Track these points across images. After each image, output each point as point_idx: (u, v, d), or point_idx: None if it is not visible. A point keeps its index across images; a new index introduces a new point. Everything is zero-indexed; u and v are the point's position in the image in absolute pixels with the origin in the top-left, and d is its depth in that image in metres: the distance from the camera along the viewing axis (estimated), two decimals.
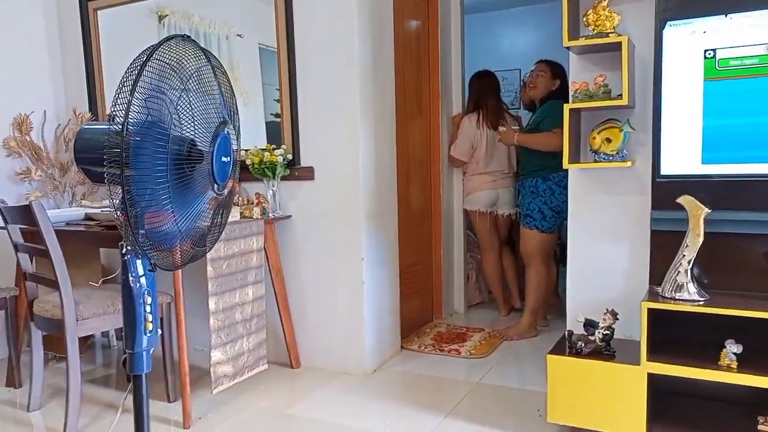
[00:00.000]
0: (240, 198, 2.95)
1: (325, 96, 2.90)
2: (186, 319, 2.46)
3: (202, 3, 3.24)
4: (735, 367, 1.96)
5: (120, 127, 1.10)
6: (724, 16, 2.01)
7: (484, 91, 3.84)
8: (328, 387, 2.84)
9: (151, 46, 1.16)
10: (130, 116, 1.11)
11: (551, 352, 2.22)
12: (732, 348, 1.97)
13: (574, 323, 2.36)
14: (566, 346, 2.24)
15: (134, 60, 1.14)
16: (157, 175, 1.17)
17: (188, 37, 1.24)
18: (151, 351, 1.32)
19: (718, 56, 2.03)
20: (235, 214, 2.75)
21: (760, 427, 1.95)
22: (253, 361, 2.80)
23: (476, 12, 5.72)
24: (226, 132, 1.30)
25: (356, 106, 2.84)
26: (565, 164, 2.30)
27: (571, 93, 2.30)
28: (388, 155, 3.14)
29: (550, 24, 5.18)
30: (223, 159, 1.28)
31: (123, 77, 1.12)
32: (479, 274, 4.26)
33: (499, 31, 6.09)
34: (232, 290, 2.65)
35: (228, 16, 3.21)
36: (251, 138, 3.02)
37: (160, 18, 3.35)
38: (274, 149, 2.90)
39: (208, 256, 2.51)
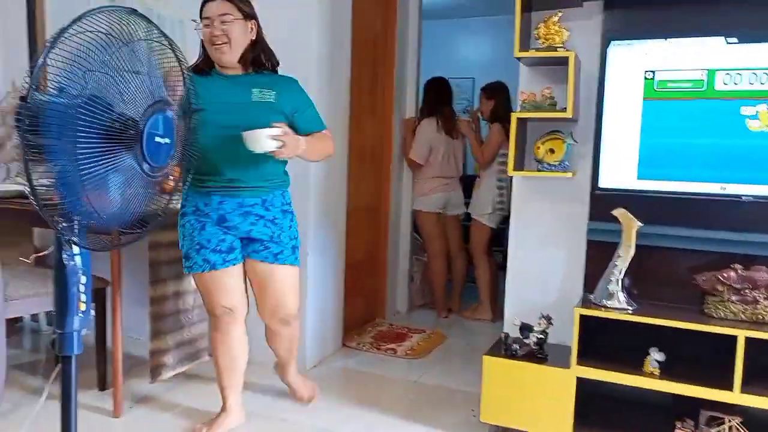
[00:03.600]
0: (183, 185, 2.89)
1: None
2: (123, 307, 2.40)
3: None
4: (657, 374, 2.07)
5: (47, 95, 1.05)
6: (664, 39, 2.12)
7: (439, 98, 3.94)
8: (268, 380, 2.82)
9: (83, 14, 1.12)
10: (49, 84, 1.06)
11: (487, 353, 2.28)
12: (655, 356, 2.08)
13: (510, 326, 2.43)
14: (502, 348, 2.30)
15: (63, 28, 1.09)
16: (80, 148, 1.11)
17: (135, 11, 1.21)
18: (82, 333, 1.29)
19: (657, 77, 2.14)
20: (177, 200, 2.69)
21: (676, 431, 2.06)
22: (193, 352, 2.75)
23: (435, 18, 5.81)
24: (167, 113, 1.27)
25: (310, 95, 2.82)
26: (510, 171, 2.37)
27: (519, 102, 2.37)
28: (339, 152, 3.14)
29: (506, 36, 5.32)
30: (159, 140, 1.25)
31: (47, 43, 1.07)
32: (423, 276, 4.33)
33: (456, 39, 6.20)
34: (173, 278, 2.60)
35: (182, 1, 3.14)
36: None
37: None
38: None
39: (149, 242, 2.46)
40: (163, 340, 2.55)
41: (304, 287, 2.92)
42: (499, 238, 4.10)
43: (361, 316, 3.74)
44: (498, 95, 3.74)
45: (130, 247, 2.39)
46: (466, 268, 4.14)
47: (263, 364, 2.98)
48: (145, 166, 1.24)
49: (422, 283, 4.36)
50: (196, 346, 2.77)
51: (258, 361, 2.99)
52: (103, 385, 2.61)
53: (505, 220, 3.50)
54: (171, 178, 2.47)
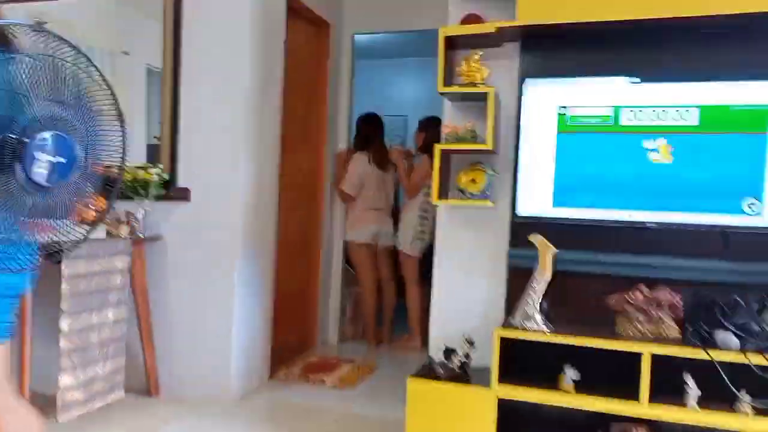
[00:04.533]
0: (107, 216, 2.81)
1: (208, 119, 2.89)
2: (33, 342, 2.28)
3: (85, 14, 3.12)
4: (572, 390, 2.15)
5: None
6: (574, 78, 2.29)
7: (372, 132, 4.05)
8: (190, 415, 2.73)
9: None
10: None
11: (412, 376, 2.30)
12: (570, 373, 2.17)
13: (435, 351, 2.47)
14: (426, 371, 2.34)
15: None
16: None
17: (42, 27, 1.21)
18: None
19: (569, 113, 2.30)
20: (100, 233, 2.62)
21: None
22: (107, 388, 2.63)
23: (369, 58, 5.96)
24: (63, 133, 1.24)
25: (240, 130, 2.85)
26: (434, 200, 2.45)
27: (443, 135, 2.47)
28: (269, 182, 3.15)
29: (437, 76, 5.53)
30: (49, 158, 1.20)
31: None
32: (355, 307, 4.33)
33: (390, 78, 6.38)
34: (90, 311, 2.50)
35: (114, 32, 3.12)
36: (130, 160, 2.91)
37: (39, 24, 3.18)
38: (149, 168, 2.82)
39: (65, 272, 2.37)
40: (74, 375, 2.43)
41: (230, 318, 2.87)
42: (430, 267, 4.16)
43: (292, 347, 3.69)
44: (429, 128, 3.84)
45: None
46: (396, 298, 4.19)
47: (183, 398, 2.90)
48: (30, 186, 1.18)
49: (354, 314, 4.36)
50: (112, 381, 2.65)
51: (178, 396, 2.91)
52: None
53: (430, 249, 3.59)
54: (92, 207, 2.42)
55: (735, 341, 2.03)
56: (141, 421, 2.66)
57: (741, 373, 2.00)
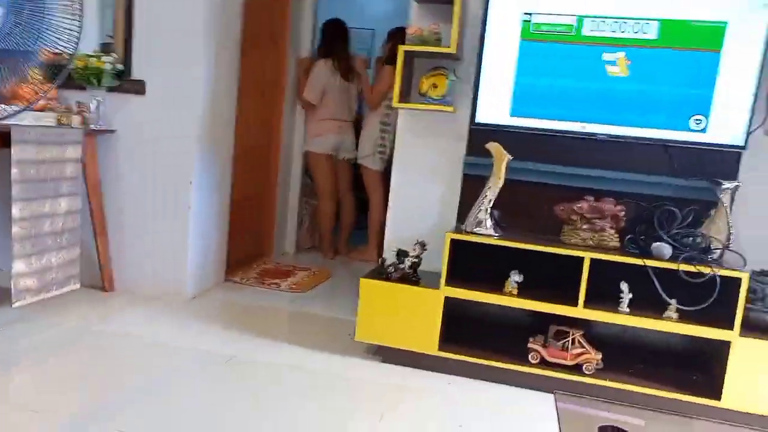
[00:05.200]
0: (58, 105, 2.72)
1: (165, 15, 2.76)
2: None
3: None
4: (515, 293, 2.27)
5: None
6: None
7: (336, 39, 3.93)
8: (143, 308, 2.77)
9: None
10: None
11: (364, 277, 2.38)
12: (515, 277, 2.28)
13: (389, 252, 2.55)
14: (379, 273, 2.41)
15: None
16: None
17: None
18: None
19: (533, 20, 2.29)
20: (50, 119, 2.54)
21: (529, 345, 2.28)
22: (62, 278, 2.63)
23: None
24: None
25: (199, 25, 2.75)
26: (395, 103, 2.45)
27: (407, 37, 2.44)
28: (228, 81, 3.08)
29: None
30: None
31: None
32: (313, 219, 4.37)
33: None
34: (42, 198, 2.46)
35: None
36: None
37: None
38: (102, 56, 2.70)
39: (14, 157, 2.31)
40: (28, 262, 2.42)
41: (185, 218, 2.87)
42: None
43: (247, 253, 3.73)
44: (395, 37, 3.77)
45: None
46: (355, 211, 4.23)
47: (136, 293, 2.94)
48: None
49: (311, 226, 4.41)
50: (67, 272, 2.65)
51: (131, 291, 2.94)
52: None
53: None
54: (32, 84, 2.33)
55: (668, 250, 2.16)
56: (95, 311, 2.69)
57: (674, 283, 2.14)
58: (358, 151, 4.01)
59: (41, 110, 2.56)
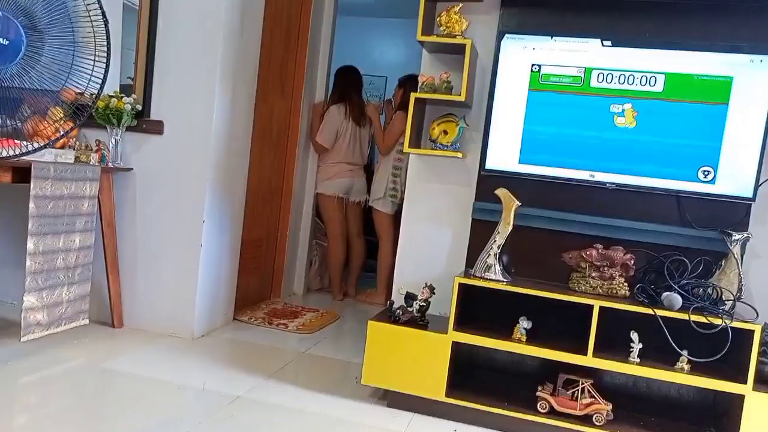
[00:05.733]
0: (78, 143, 2.79)
1: (184, 58, 2.85)
2: None
3: None
4: (524, 340, 2.25)
5: None
6: (550, 37, 2.34)
7: (349, 86, 4.04)
8: (151, 347, 2.77)
9: None
10: None
11: (372, 319, 2.37)
12: (523, 323, 2.26)
13: (397, 296, 2.54)
14: (386, 315, 2.41)
15: None
16: None
17: None
18: None
19: (542, 71, 2.35)
20: (69, 157, 2.60)
21: (538, 393, 2.25)
22: (72, 313, 2.64)
23: (352, 15, 5.92)
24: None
25: (216, 69, 2.83)
26: (406, 148, 2.49)
27: (419, 85, 2.50)
28: (243, 124, 3.15)
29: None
30: None
31: None
32: (323, 261, 4.39)
33: (373, 37, 6.35)
34: (57, 234, 2.50)
35: None
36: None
37: None
38: (122, 97, 2.79)
39: (32, 192, 2.36)
40: (39, 296, 2.44)
41: (197, 256, 2.90)
42: None
43: (256, 294, 3.74)
44: (406, 84, 3.87)
45: (5, 203, 2.30)
46: (364, 254, 4.25)
47: (145, 331, 2.94)
48: None
49: (321, 267, 4.42)
50: (77, 307, 2.67)
51: (140, 329, 2.95)
52: None
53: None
54: (54, 123, 2.40)
55: (678, 300, 2.14)
56: (104, 349, 2.69)
57: (684, 333, 2.11)
58: (370, 194, 4.06)
59: (61, 147, 2.63)
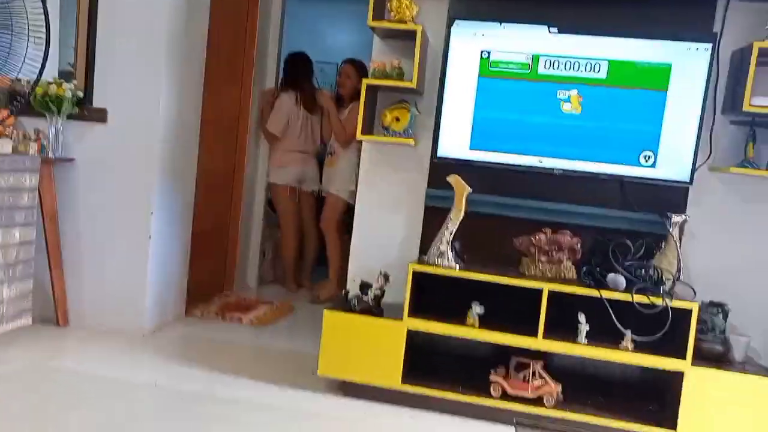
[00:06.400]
0: (16, 132, 2.66)
1: (127, 44, 2.76)
2: None
3: None
4: (476, 325, 2.29)
5: None
6: (499, 24, 2.36)
7: (300, 72, 3.98)
8: (99, 344, 2.69)
9: None
10: None
11: (327, 308, 2.37)
12: (476, 309, 2.30)
13: (352, 284, 2.54)
14: (342, 305, 2.41)
15: None
16: None
17: None
18: None
19: (491, 58, 2.37)
20: (6, 147, 2.48)
21: (491, 377, 2.29)
22: (14, 312, 2.53)
23: (302, 0, 5.83)
24: None
25: (161, 53, 2.75)
26: (359, 135, 2.48)
27: (370, 71, 2.49)
28: (192, 112, 3.08)
29: None
30: None
31: None
32: (275, 252, 4.34)
33: (323, 23, 6.27)
34: None
35: None
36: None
37: None
38: (62, 83, 2.67)
39: None
40: None
41: (145, 250, 2.82)
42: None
43: (208, 287, 3.67)
44: (355, 68, 3.81)
45: None
46: (317, 244, 4.21)
47: (92, 328, 2.86)
48: None
49: (274, 259, 4.37)
50: (19, 306, 2.55)
51: (87, 326, 2.86)
52: None
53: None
54: None
55: (622, 282, 2.22)
56: (49, 347, 2.60)
57: (628, 314, 2.19)
58: (335, 183, 3.87)
59: None
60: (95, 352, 2.59)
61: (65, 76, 2.81)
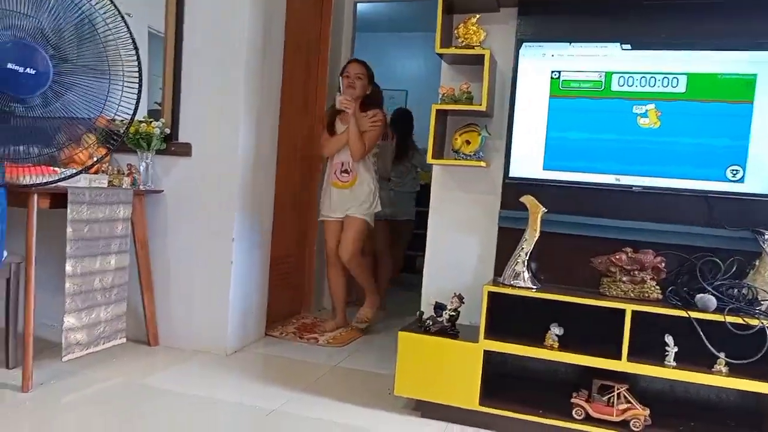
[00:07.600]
0: (110, 167, 2.88)
1: (210, 81, 2.93)
2: (36, 290, 2.36)
3: None
4: (556, 347, 2.24)
5: None
6: (568, 44, 2.34)
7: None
8: (186, 363, 2.82)
9: None
10: None
11: (402, 330, 2.39)
12: (555, 330, 2.25)
13: (426, 306, 2.55)
14: (417, 326, 2.42)
15: None
16: None
17: None
18: None
19: (562, 77, 2.36)
20: (103, 181, 2.69)
21: (573, 400, 2.23)
22: (110, 332, 2.71)
23: (371, 31, 6.00)
24: (25, 40, 1.26)
25: (240, 90, 2.90)
26: (429, 159, 2.51)
27: (439, 96, 2.53)
28: (268, 142, 3.22)
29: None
30: (13, 67, 1.23)
31: None
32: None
33: (392, 52, 6.41)
34: (93, 256, 2.58)
35: None
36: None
37: None
38: (151, 121, 2.87)
39: (69, 216, 2.44)
40: (78, 317, 2.52)
41: (228, 273, 2.95)
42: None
43: (286, 309, 3.78)
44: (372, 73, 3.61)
45: (43, 228, 2.39)
46: (391, 269, 4.32)
47: (179, 348, 3.00)
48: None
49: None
50: (114, 326, 2.73)
51: (174, 347, 3.01)
52: (11, 362, 2.54)
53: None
54: (87, 150, 2.47)
55: (713, 302, 2.11)
56: (141, 366, 2.75)
57: (720, 335, 2.08)
58: (338, 206, 3.55)
59: (95, 173, 2.71)
60: (182, 371, 2.72)
61: (153, 114, 3.02)
